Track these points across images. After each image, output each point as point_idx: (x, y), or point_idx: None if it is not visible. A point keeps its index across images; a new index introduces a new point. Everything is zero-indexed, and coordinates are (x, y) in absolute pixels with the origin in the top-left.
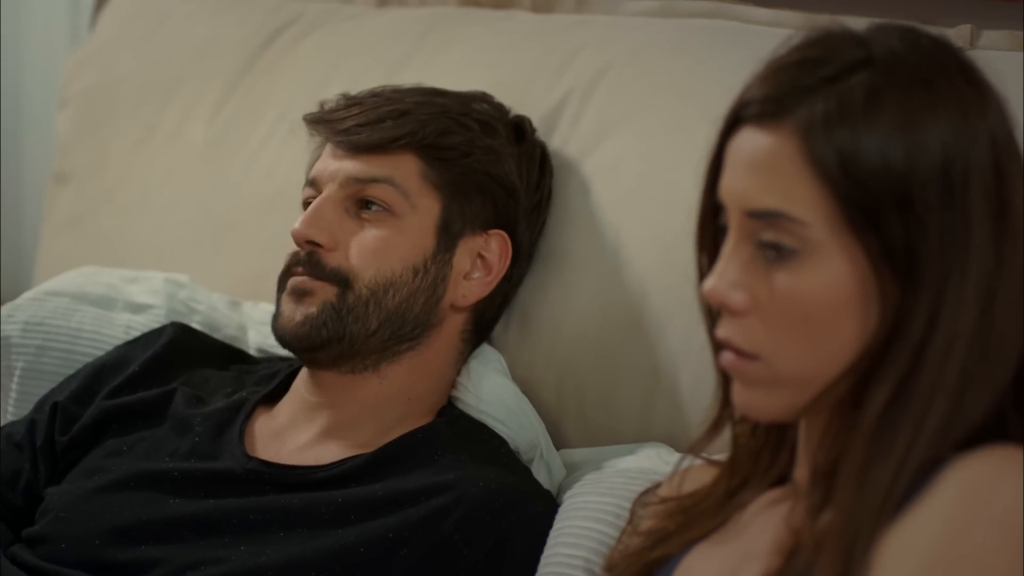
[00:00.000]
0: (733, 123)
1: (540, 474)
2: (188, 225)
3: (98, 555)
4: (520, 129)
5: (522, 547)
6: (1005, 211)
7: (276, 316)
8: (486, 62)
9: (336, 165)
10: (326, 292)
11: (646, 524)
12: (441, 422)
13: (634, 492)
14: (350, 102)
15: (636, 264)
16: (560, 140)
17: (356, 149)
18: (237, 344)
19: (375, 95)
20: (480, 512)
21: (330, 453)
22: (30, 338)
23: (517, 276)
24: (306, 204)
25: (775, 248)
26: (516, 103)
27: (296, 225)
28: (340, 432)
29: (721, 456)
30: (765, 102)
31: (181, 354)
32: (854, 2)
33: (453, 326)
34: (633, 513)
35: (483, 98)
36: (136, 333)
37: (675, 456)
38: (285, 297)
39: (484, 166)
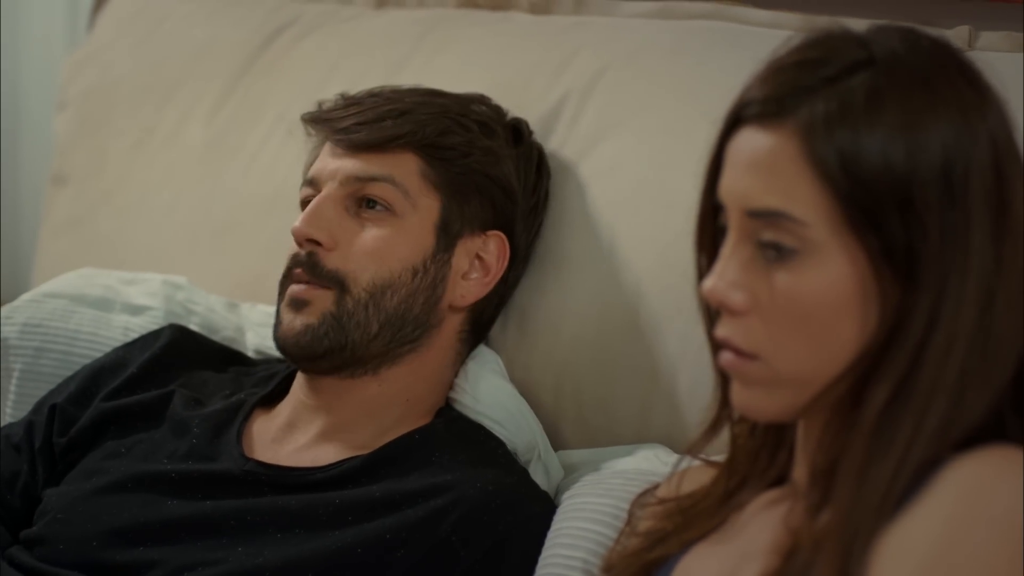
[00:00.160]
0: (733, 123)
1: (538, 475)
2: (186, 226)
3: (96, 556)
4: (518, 131)
5: (520, 548)
6: (1005, 212)
7: (276, 325)
8: (484, 63)
9: (336, 164)
10: (324, 300)
11: (644, 525)
12: (439, 423)
13: (632, 493)
14: (349, 102)
15: (634, 265)
16: (558, 141)
17: (356, 148)
18: (235, 346)
19: (374, 95)
20: (478, 513)
21: (328, 454)
22: (28, 340)
23: (513, 278)
24: (304, 203)
25: (775, 248)
26: (514, 104)
27: (296, 223)
28: (338, 434)
29: (719, 457)
30: (766, 102)
31: (179, 356)
32: (852, 3)
33: (451, 327)
34: (631, 514)
35: (481, 100)
36: (134, 335)
37: (673, 457)
38: (284, 307)
39: (483, 167)
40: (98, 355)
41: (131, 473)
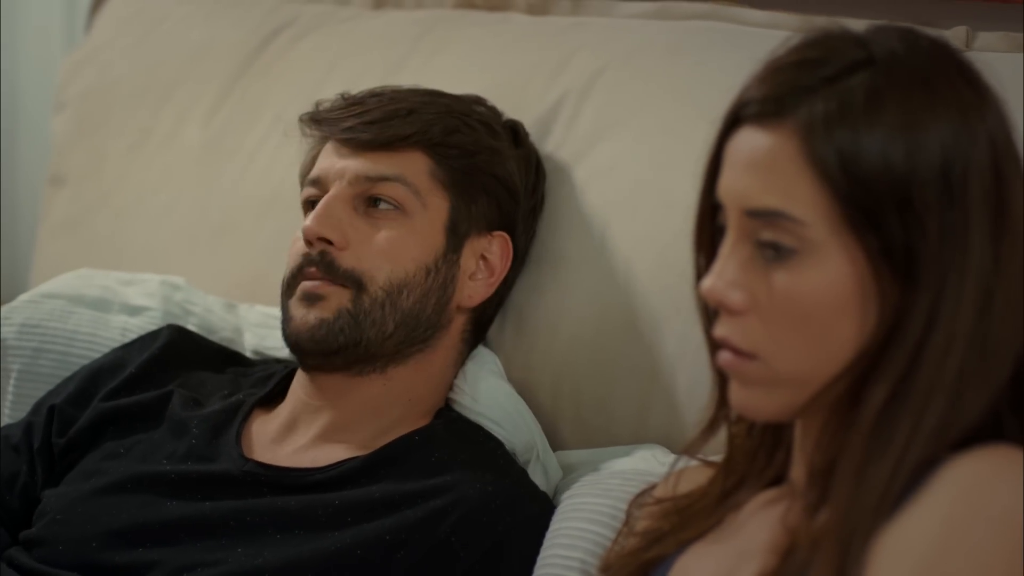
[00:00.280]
0: (732, 123)
1: (536, 476)
2: (184, 227)
3: (95, 557)
4: (516, 133)
5: (518, 549)
6: (1004, 212)
7: (287, 321)
8: (482, 64)
9: (343, 163)
10: (340, 297)
11: (641, 525)
12: (438, 424)
13: (630, 494)
14: (350, 101)
15: (632, 266)
16: (556, 142)
17: (364, 147)
18: (233, 346)
19: (375, 95)
20: (477, 514)
21: (327, 455)
22: (26, 340)
23: (511, 278)
24: (307, 203)
25: (774, 247)
26: (512, 105)
27: (307, 222)
28: (338, 434)
29: (717, 457)
30: (765, 102)
31: (177, 356)
32: (849, 4)
33: (457, 327)
34: (629, 514)
35: (479, 100)
36: (132, 335)
37: (671, 457)
38: (295, 302)
39: (489, 167)
40: (96, 355)
41: (130, 474)
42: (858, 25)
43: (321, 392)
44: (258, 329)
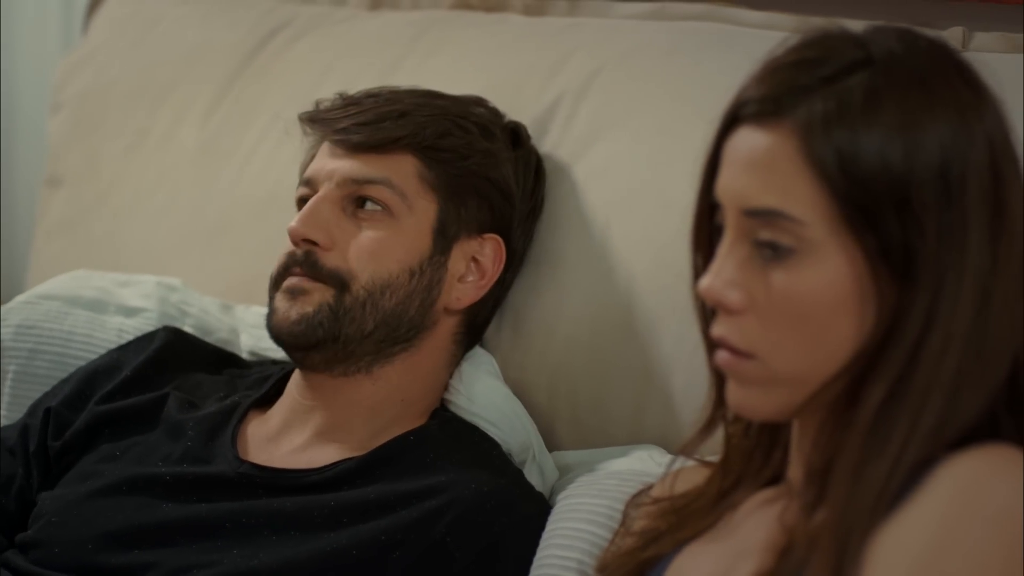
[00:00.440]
0: (730, 122)
1: (532, 476)
2: (180, 228)
3: (91, 560)
4: (516, 134)
5: (514, 549)
6: (1001, 212)
7: (270, 314)
8: (478, 65)
9: (333, 164)
10: (323, 293)
11: (639, 524)
12: (433, 424)
13: (627, 494)
14: (347, 102)
15: (629, 266)
16: (553, 142)
17: (354, 149)
18: (229, 348)
19: (372, 95)
20: (472, 514)
21: (322, 456)
22: (22, 341)
23: (509, 280)
24: (300, 203)
25: (772, 247)
26: (509, 106)
27: (293, 223)
28: (333, 435)
29: (713, 457)
30: (763, 101)
31: (173, 358)
32: (847, 4)
33: (446, 328)
34: (625, 515)
35: (479, 102)
36: (128, 336)
37: (667, 457)
38: (280, 295)
39: (482, 169)
40: (92, 357)
41: (126, 476)
42: (856, 25)
43: (313, 392)
44: (254, 330)
